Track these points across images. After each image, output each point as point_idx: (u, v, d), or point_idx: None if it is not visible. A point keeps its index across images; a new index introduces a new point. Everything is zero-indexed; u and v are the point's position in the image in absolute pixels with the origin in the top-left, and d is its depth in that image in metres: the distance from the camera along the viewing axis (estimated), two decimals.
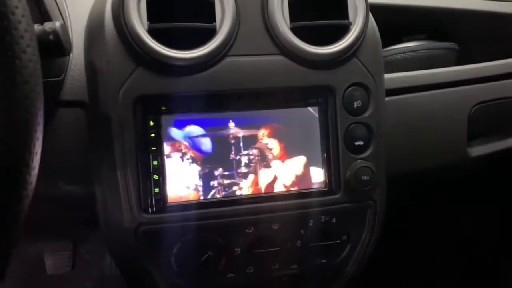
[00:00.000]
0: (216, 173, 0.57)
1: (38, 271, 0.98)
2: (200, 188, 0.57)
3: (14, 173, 0.29)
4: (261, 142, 0.58)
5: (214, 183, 0.57)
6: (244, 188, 0.58)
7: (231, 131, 0.57)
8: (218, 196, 0.57)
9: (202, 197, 0.57)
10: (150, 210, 0.55)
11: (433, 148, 0.71)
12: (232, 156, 0.57)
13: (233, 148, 0.58)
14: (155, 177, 0.55)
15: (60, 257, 0.98)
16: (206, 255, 0.58)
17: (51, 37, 0.40)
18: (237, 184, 0.58)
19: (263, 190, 0.58)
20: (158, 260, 0.57)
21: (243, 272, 0.60)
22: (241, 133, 0.58)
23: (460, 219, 1.03)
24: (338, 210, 0.60)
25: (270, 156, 0.58)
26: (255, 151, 0.58)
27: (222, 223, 0.57)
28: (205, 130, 0.57)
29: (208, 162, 0.57)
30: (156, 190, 0.55)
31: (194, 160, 0.56)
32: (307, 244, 0.61)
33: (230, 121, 0.57)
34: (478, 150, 0.74)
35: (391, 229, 0.69)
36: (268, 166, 0.58)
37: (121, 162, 0.54)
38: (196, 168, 0.57)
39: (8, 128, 0.28)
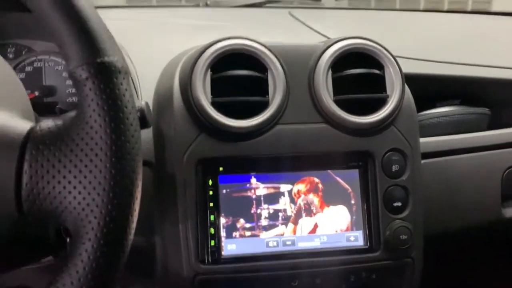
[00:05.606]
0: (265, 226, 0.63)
1: None
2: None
3: (123, 223, 0.36)
4: (306, 196, 0.64)
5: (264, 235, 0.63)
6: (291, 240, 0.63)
7: (280, 187, 0.63)
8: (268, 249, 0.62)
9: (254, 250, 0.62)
10: (206, 261, 0.61)
11: (468, 209, 0.75)
12: (282, 209, 0.63)
13: (281, 201, 0.63)
14: (212, 231, 0.61)
15: None
16: None
17: (138, 114, 0.48)
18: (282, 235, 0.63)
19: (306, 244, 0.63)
20: None
21: None
22: (288, 188, 0.63)
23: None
24: (377, 267, 0.65)
25: (314, 210, 0.64)
26: (301, 203, 0.63)
27: (270, 276, 0.62)
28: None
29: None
30: (212, 243, 0.61)
31: None
32: None
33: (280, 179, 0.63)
34: None
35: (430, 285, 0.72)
36: (310, 215, 0.64)
37: (182, 217, 0.60)
38: None
39: (118, 196, 0.36)
